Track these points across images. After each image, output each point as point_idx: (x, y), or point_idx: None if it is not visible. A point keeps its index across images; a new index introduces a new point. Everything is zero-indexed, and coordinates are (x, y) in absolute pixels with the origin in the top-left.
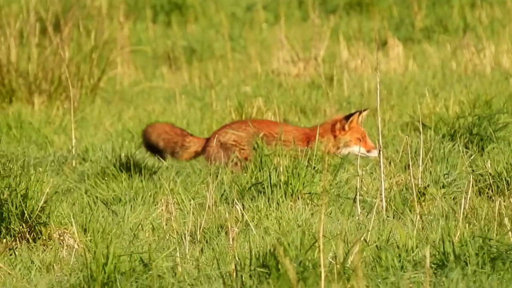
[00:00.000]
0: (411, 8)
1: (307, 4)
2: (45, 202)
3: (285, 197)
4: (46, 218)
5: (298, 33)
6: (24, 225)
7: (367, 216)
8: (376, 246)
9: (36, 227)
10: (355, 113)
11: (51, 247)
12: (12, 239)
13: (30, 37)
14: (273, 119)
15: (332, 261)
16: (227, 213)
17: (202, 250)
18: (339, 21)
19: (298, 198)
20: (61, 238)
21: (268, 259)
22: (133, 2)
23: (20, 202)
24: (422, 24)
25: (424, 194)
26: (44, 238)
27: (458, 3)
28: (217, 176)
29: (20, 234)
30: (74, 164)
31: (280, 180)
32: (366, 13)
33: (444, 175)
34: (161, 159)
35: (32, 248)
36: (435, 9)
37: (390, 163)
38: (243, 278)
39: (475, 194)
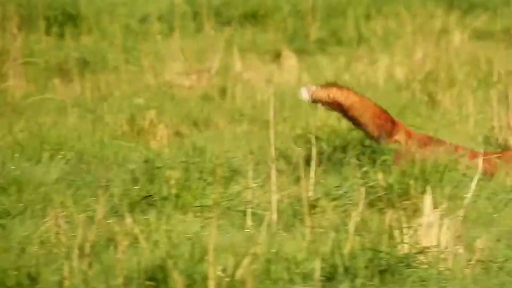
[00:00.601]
0: (305, 19)
1: (202, 15)
2: None
3: (176, 210)
4: None
5: (192, 44)
6: None
7: (257, 228)
8: (266, 258)
9: None
10: None
11: None
12: None
13: None
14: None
15: (221, 274)
16: (116, 226)
17: (90, 264)
18: (234, 32)
19: (189, 211)
20: None
21: (157, 272)
22: (27, 14)
23: None
24: (316, 35)
25: (315, 206)
26: None
27: (352, 15)
28: (107, 189)
29: None
30: None
31: (171, 193)
32: (260, 25)
33: (336, 187)
34: None
35: None
36: (329, 20)
37: (281, 175)
38: None
39: (366, 206)
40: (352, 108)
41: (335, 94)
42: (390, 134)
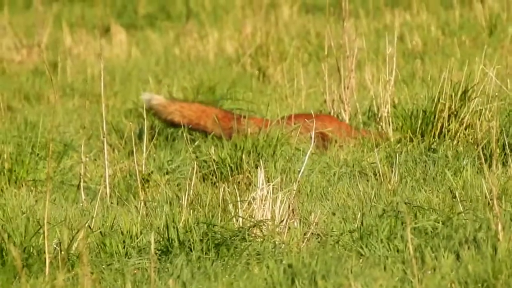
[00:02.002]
0: None
1: None
2: None
3: (9, 184)
4: None
5: (21, 20)
6: None
7: (91, 202)
8: (101, 232)
9: None
10: None
11: None
12: None
13: None
14: None
15: (57, 248)
16: None
17: None
18: (62, 8)
19: (22, 185)
20: None
21: None
22: None
23: None
24: (145, 10)
25: (148, 180)
26: None
27: None
28: None
29: None
30: None
31: (4, 167)
32: (89, 0)
33: (168, 161)
34: None
35: None
36: None
37: (114, 150)
38: None
39: (199, 180)
40: (191, 123)
41: (170, 112)
42: (239, 131)
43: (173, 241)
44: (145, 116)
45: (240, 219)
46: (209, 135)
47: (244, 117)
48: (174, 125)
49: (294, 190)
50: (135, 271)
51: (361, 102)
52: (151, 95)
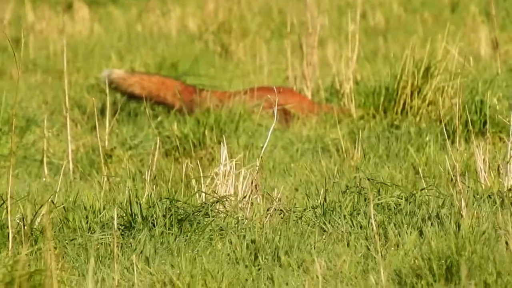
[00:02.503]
0: None
1: None
2: None
3: None
4: None
5: None
6: None
7: (54, 177)
8: (64, 207)
9: None
10: None
11: None
12: None
13: None
14: None
15: (20, 223)
16: None
17: None
18: None
19: None
20: None
21: None
22: None
23: None
24: None
25: (111, 156)
26: None
27: None
28: None
29: None
30: None
31: None
32: None
33: (131, 137)
34: None
35: None
36: None
37: (76, 125)
38: None
39: (162, 156)
40: (151, 94)
41: (130, 84)
42: (199, 104)
43: (136, 217)
44: (107, 92)
45: (203, 195)
46: (171, 109)
47: (206, 90)
48: (135, 97)
49: (257, 166)
50: (98, 246)
51: (324, 78)
52: (111, 70)
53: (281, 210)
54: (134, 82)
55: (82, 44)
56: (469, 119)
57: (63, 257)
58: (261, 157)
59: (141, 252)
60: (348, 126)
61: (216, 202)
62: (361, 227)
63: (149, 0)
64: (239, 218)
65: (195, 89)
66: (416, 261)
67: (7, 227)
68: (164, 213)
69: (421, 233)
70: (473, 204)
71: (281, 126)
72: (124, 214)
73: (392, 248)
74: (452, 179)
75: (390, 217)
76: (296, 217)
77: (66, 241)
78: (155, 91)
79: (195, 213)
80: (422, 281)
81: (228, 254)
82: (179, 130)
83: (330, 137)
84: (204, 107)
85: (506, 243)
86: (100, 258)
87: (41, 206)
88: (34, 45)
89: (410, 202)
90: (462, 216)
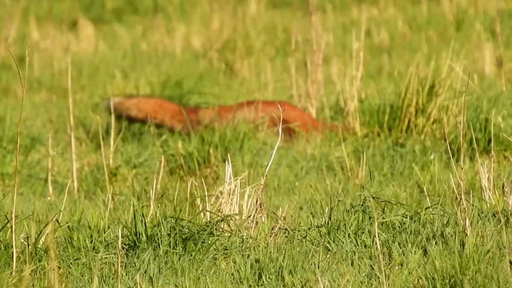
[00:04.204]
0: None
1: None
2: None
3: None
4: None
5: None
6: None
7: (58, 196)
8: (68, 226)
9: None
10: None
11: None
12: None
13: None
14: None
15: (24, 242)
16: None
17: None
18: (30, 2)
19: None
20: None
21: None
22: None
23: None
24: (113, 5)
25: (115, 174)
26: None
27: None
28: None
29: None
30: None
31: None
32: None
33: (135, 155)
34: None
35: None
36: None
37: (81, 143)
38: None
39: (167, 174)
40: (149, 116)
41: (127, 107)
42: (197, 123)
43: (140, 236)
44: (112, 110)
45: (208, 214)
46: (170, 131)
47: (205, 108)
48: (132, 119)
49: (261, 184)
50: (102, 266)
51: (328, 96)
52: (109, 98)
53: (285, 229)
54: (131, 104)
55: (86, 62)
56: (474, 137)
57: (67, 277)
58: (266, 175)
59: (145, 271)
60: (352, 144)
61: (221, 221)
62: (365, 246)
63: (154, 18)
64: (244, 237)
65: (193, 109)
66: (420, 280)
67: (12, 246)
68: (169, 232)
69: (425, 252)
70: (477, 223)
71: (285, 142)
72: (129, 233)
73: (396, 268)
74: (456, 198)
75: (395, 236)
76: (301, 236)
77: (70, 261)
78: (152, 113)
79: (200, 232)
80: None
81: (232, 274)
82: (184, 148)
83: (335, 155)
84: (204, 124)
85: (510, 262)
86: (104, 278)
87: (46, 225)
88: (39, 63)
89: (414, 221)
90: (466, 235)
